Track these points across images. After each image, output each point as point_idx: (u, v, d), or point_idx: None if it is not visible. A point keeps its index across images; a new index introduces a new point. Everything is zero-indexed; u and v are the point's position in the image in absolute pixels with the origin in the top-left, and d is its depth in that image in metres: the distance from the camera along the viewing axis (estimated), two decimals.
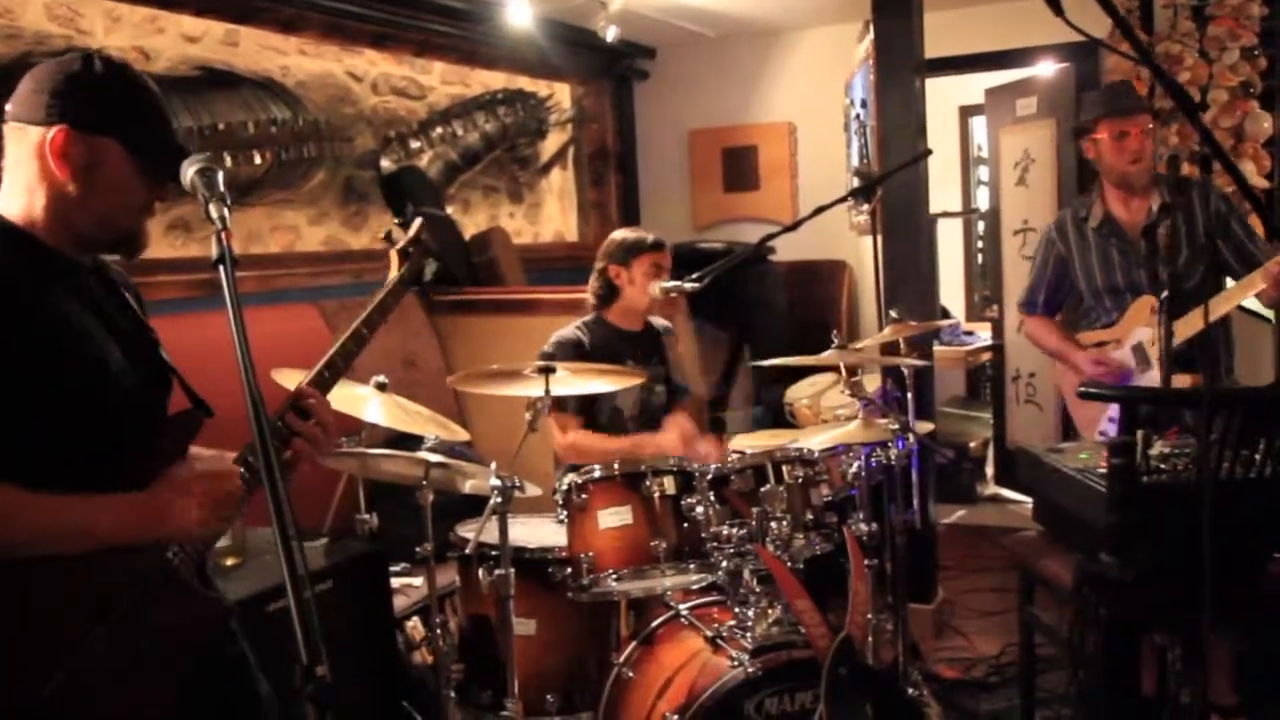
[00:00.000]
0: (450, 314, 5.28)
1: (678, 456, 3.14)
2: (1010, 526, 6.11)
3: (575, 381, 2.95)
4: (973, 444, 6.85)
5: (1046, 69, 6.19)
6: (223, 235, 1.58)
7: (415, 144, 5.66)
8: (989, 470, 6.96)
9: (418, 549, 2.96)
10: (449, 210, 5.85)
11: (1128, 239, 3.47)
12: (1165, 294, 2.67)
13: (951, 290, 8.10)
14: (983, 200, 8.49)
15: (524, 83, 6.52)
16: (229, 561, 2.86)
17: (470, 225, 6.17)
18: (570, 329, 3.70)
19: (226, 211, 1.62)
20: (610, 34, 5.63)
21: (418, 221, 2.41)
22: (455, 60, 5.95)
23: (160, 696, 1.69)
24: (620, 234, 3.74)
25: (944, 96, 7.03)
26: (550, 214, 7.01)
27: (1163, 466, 2.36)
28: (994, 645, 4.39)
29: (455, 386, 3.00)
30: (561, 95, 6.94)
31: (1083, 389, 2.30)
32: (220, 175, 1.69)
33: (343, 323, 4.72)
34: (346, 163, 5.30)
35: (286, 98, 4.63)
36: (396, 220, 2.43)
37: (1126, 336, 3.42)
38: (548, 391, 2.70)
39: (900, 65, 4.49)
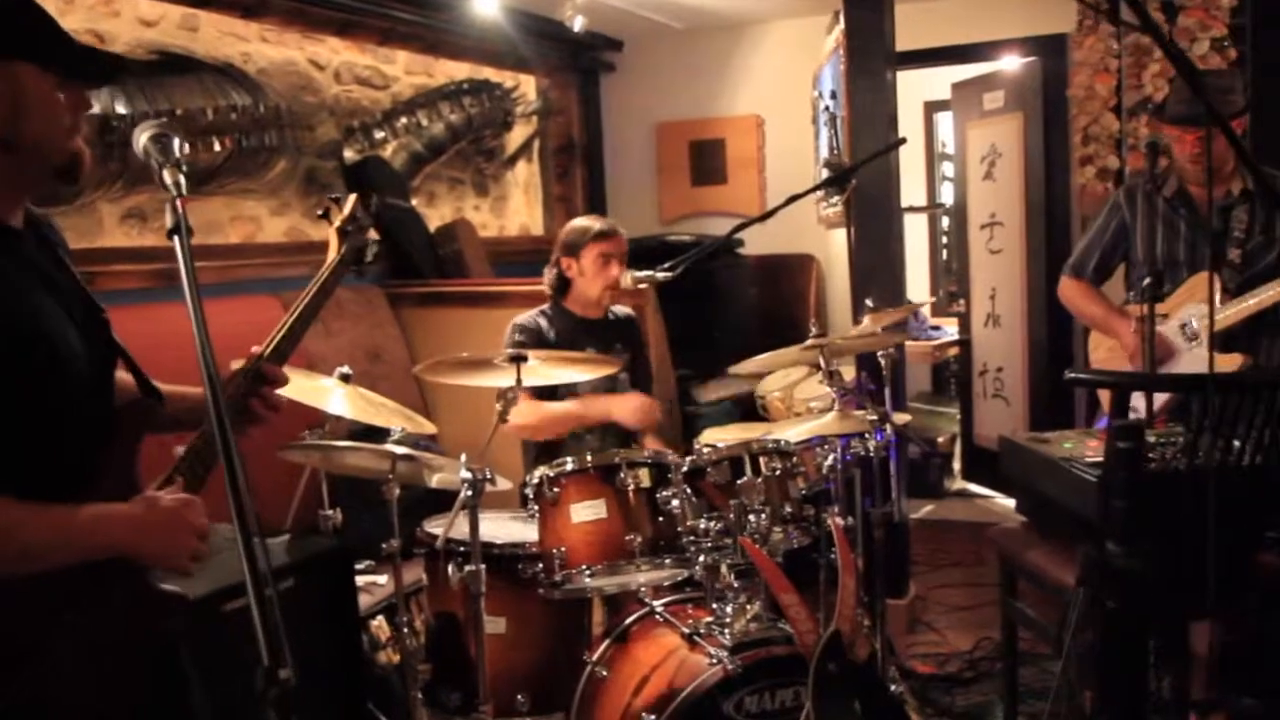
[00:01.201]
0: (415, 306, 5.19)
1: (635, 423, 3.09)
2: (978, 521, 6.13)
3: (547, 371, 2.87)
4: (940, 439, 6.83)
5: (1012, 63, 6.17)
6: (178, 203, 1.48)
7: (379, 134, 5.55)
8: (956, 465, 6.94)
9: (383, 545, 2.87)
10: (414, 202, 5.75)
11: (1199, 213, 3.39)
12: (1147, 281, 2.64)
13: (917, 285, 8.09)
14: (947, 195, 8.50)
15: (489, 74, 6.42)
16: None
17: (435, 217, 6.07)
18: (530, 316, 3.64)
19: (182, 179, 1.53)
20: (577, 25, 5.56)
21: (352, 197, 2.31)
22: (420, 50, 5.84)
23: (124, 688, 1.63)
24: (572, 223, 3.74)
25: (909, 91, 6.98)
26: (516, 207, 6.91)
27: (1150, 455, 2.32)
28: (966, 640, 4.36)
29: (423, 376, 2.90)
30: (527, 87, 6.84)
31: (1070, 375, 2.24)
32: (176, 142, 1.60)
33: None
34: (308, 152, 5.18)
35: (247, 84, 4.51)
36: (331, 196, 2.33)
37: (1176, 312, 3.35)
38: (519, 381, 2.62)
39: (872, 56, 4.44)
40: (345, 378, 3.14)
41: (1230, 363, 3.21)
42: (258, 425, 1.92)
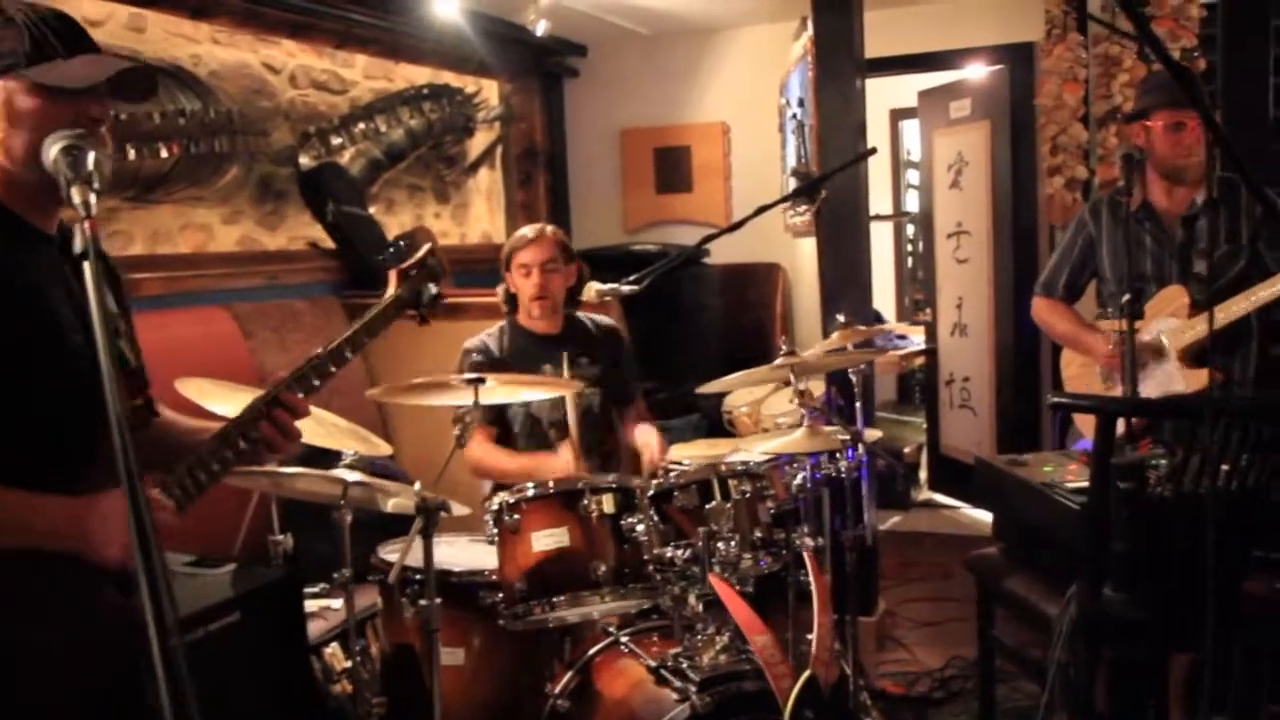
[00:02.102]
0: None
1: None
2: (945, 533, 6.08)
3: (506, 393, 2.75)
4: (906, 449, 6.77)
5: (979, 71, 6.12)
6: (86, 226, 1.36)
7: (336, 140, 5.40)
8: (923, 475, 6.88)
9: (335, 575, 2.74)
10: (372, 210, 5.60)
11: (1164, 226, 3.31)
12: (1127, 297, 2.57)
13: (883, 294, 8.04)
14: (913, 203, 8.47)
15: (450, 78, 6.28)
16: None
17: (395, 225, 5.92)
18: (479, 337, 3.57)
19: (94, 198, 1.41)
20: (540, 29, 5.44)
21: (426, 245, 2.29)
22: (378, 53, 5.70)
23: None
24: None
25: (875, 99, 6.92)
26: (477, 214, 6.78)
27: (1126, 457, 2.24)
28: (936, 657, 4.29)
29: (377, 400, 2.77)
30: (490, 92, 6.72)
31: (1052, 400, 2.15)
32: (91, 156, 1.48)
33: (258, 328, 4.51)
34: (263, 159, 5.03)
35: (197, 88, 4.35)
36: (402, 238, 2.35)
37: (1147, 327, 3.26)
38: (477, 404, 2.50)
39: (840, 63, 4.37)
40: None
41: (1199, 379, 3.15)
42: (274, 454, 1.92)
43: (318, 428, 2.96)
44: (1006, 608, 2.68)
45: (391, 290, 2.18)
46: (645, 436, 3.50)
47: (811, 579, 2.36)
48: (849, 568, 3.32)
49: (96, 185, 1.46)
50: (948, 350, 6.54)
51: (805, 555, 2.56)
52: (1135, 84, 4.73)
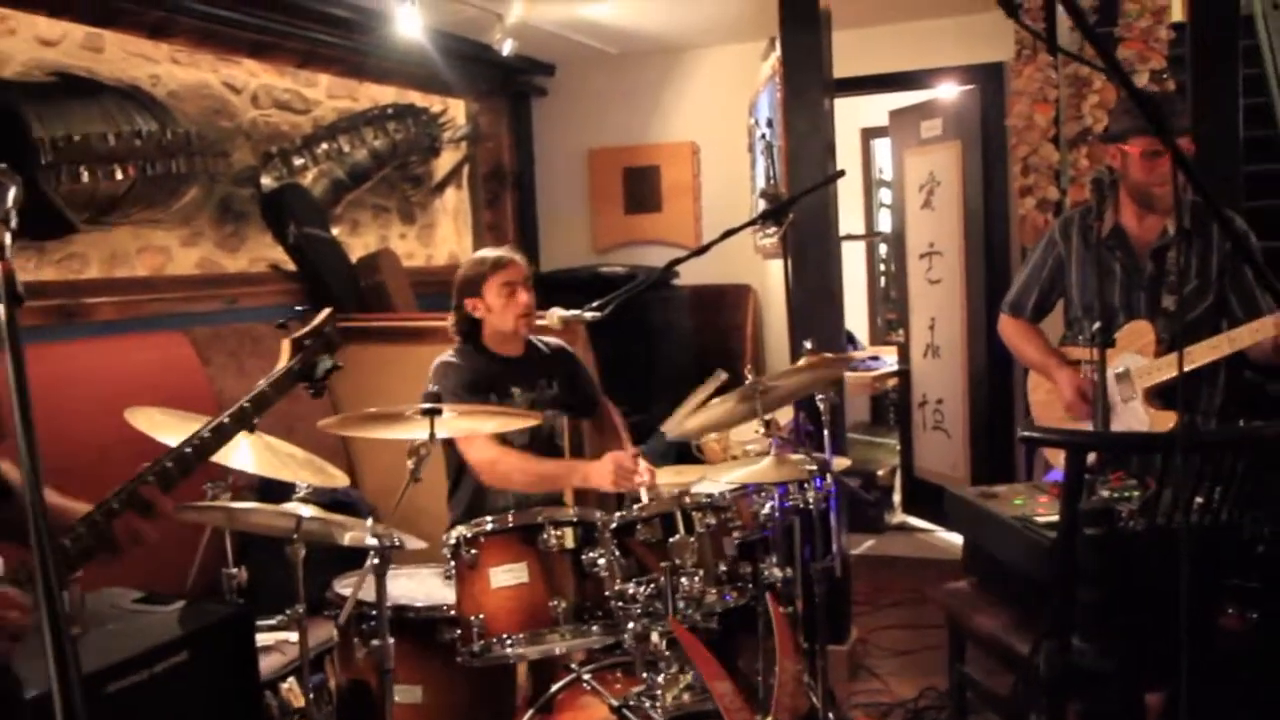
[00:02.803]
0: None
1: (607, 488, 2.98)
2: (919, 557, 6.03)
3: (464, 423, 2.67)
4: (880, 472, 6.71)
5: (950, 91, 6.10)
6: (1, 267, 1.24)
7: (299, 160, 5.31)
8: (896, 498, 6.83)
9: (286, 611, 2.65)
10: (335, 231, 5.51)
11: (1134, 256, 3.25)
12: (1097, 326, 2.51)
13: (855, 314, 8.00)
14: (885, 223, 8.44)
15: (416, 98, 6.20)
16: None
17: (359, 246, 5.83)
18: (450, 355, 3.44)
19: (8, 238, 1.28)
20: (507, 48, 5.37)
21: (324, 313, 2.25)
22: (342, 73, 5.62)
23: None
24: (463, 266, 3.53)
25: (846, 118, 6.91)
26: (444, 235, 6.70)
27: (1095, 500, 2.18)
28: (909, 687, 4.23)
29: (331, 431, 2.68)
30: (456, 112, 6.64)
31: (1022, 434, 2.10)
32: (11, 193, 1.34)
33: (216, 353, 4.41)
34: (223, 179, 4.93)
35: (154, 108, 4.26)
36: (299, 308, 2.31)
37: (1111, 360, 3.21)
38: (432, 436, 2.41)
39: (809, 83, 4.32)
40: (250, 426, 2.91)
41: (1165, 420, 3.10)
42: (119, 555, 1.71)
43: (272, 459, 2.87)
44: (976, 644, 2.62)
45: (284, 361, 2.09)
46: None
47: (775, 629, 2.28)
48: (818, 598, 3.25)
49: (13, 224, 1.32)
50: (921, 372, 6.50)
51: (770, 605, 2.47)
52: (1105, 105, 4.70)
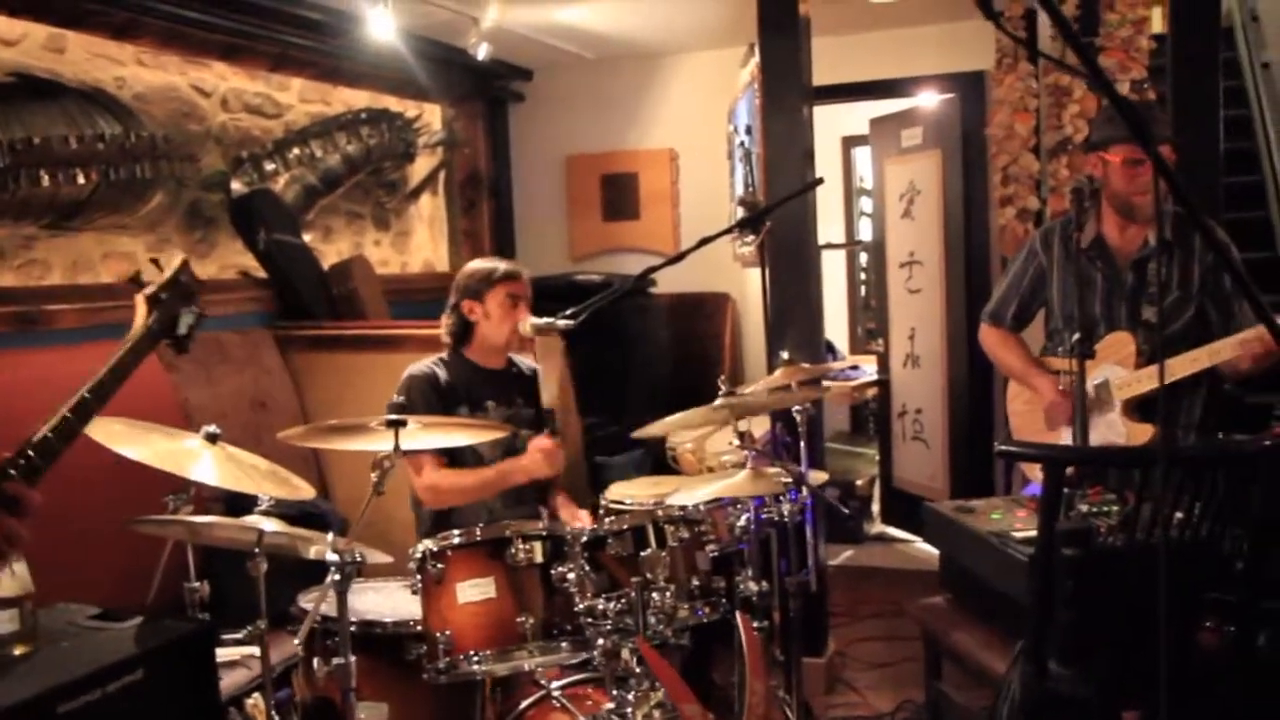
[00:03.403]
0: (306, 350, 4.86)
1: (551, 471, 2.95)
2: (898, 568, 5.98)
3: (429, 435, 2.59)
4: (859, 482, 6.66)
5: (930, 99, 6.07)
6: None
7: (270, 165, 5.23)
8: (875, 508, 6.78)
9: (249, 627, 2.58)
10: (308, 237, 5.43)
11: (1115, 267, 3.20)
12: (1076, 336, 2.47)
13: (835, 323, 7.96)
14: (866, 232, 8.41)
15: (391, 103, 6.13)
16: (17, 650, 2.42)
17: (332, 253, 5.76)
18: (425, 364, 3.37)
19: None
20: (481, 52, 5.31)
21: (178, 258, 2.06)
22: (315, 76, 5.54)
23: None
24: (472, 265, 3.44)
25: (826, 126, 6.88)
26: (419, 242, 6.62)
27: (1071, 519, 2.13)
28: (887, 700, 4.18)
29: (292, 442, 2.60)
30: (432, 117, 6.57)
31: (1000, 448, 2.04)
32: None
33: (183, 361, 4.31)
34: (192, 184, 4.85)
35: (118, 111, 4.17)
36: (151, 258, 2.09)
37: (1092, 373, 3.16)
38: (397, 448, 2.34)
39: (788, 90, 4.26)
40: (212, 437, 2.83)
41: (1143, 433, 3.06)
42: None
43: (235, 471, 2.80)
44: (953, 662, 2.56)
45: (140, 321, 1.93)
46: (570, 513, 3.38)
47: (744, 642, 2.22)
48: (794, 612, 3.19)
49: None
50: (900, 381, 6.46)
51: (741, 623, 2.41)
52: (1086, 115, 4.67)
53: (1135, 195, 3.11)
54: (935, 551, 2.84)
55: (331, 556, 2.21)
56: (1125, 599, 1.67)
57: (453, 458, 3.28)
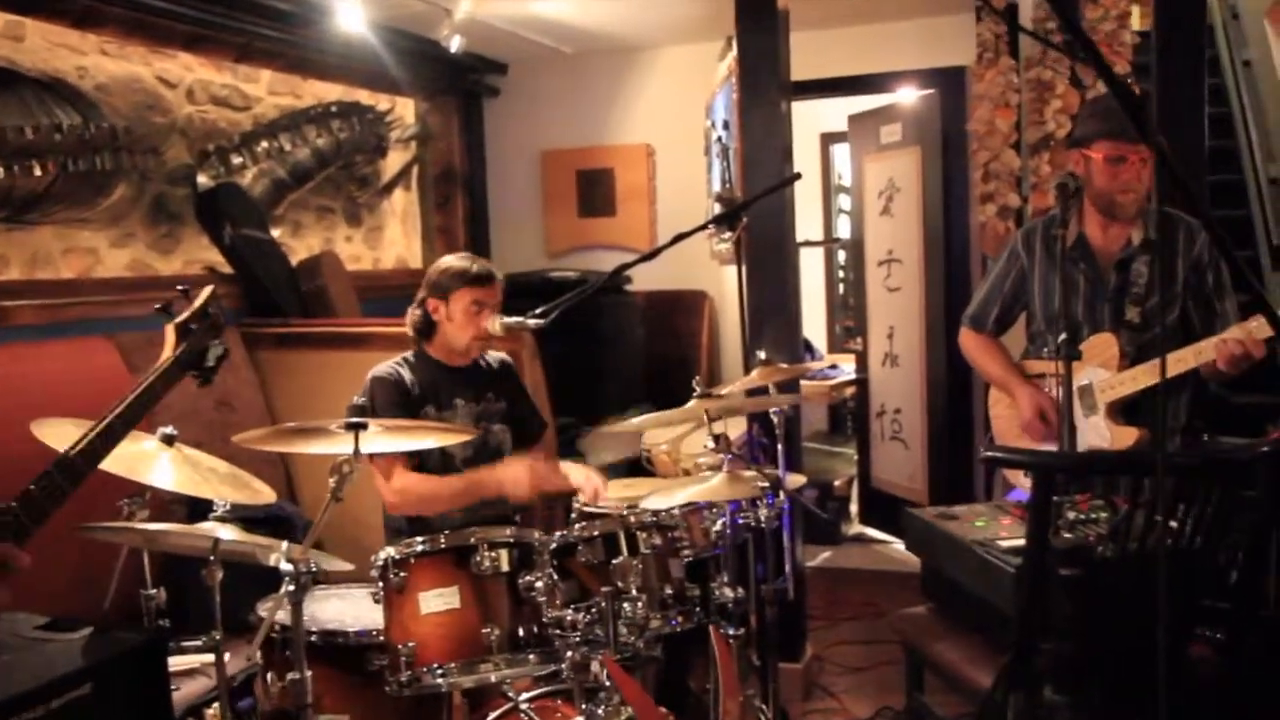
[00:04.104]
0: (273, 348, 4.74)
1: (527, 494, 2.82)
2: (876, 569, 5.91)
3: (391, 439, 2.49)
4: (837, 482, 6.59)
5: (910, 95, 6.00)
6: None
7: (237, 159, 5.11)
8: (854, 508, 6.71)
9: (203, 638, 2.48)
10: (277, 233, 5.32)
11: (1098, 267, 3.13)
12: (1063, 338, 2.39)
13: (813, 321, 7.89)
14: (844, 229, 8.34)
15: (363, 96, 6.02)
16: None
17: (302, 249, 5.64)
18: (389, 365, 3.26)
19: None
20: (454, 45, 5.21)
21: (207, 290, 2.10)
22: (284, 68, 5.42)
23: None
24: (446, 261, 3.32)
25: (805, 123, 6.82)
26: (392, 238, 6.50)
27: (1070, 536, 2.05)
28: (865, 706, 4.11)
29: (245, 446, 2.49)
30: (405, 110, 6.46)
31: (985, 454, 1.96)
32: None
33: (145, 360, 4.17)
34: (156, 178, 4.73)
35: (78, 102, 4.05)
36: (180, 288, 2.12)
37: (1075, 374, 3.07)
38: (357, 452, 2.24)
39: (766, 85, 4.18)
40: (169, 439, 2.72)
41: (1127, 437, 3.00)
42: None
43: (192, 474, 2.69)
44: (935, 674, 2.48)
45: (168, 351, 1.95)
46: (577, 474, 3.27)
47: (717, 659, 2.14)
48: (770, 619, 3.11)
49: None
50: (879, 381, 6.39)
51: (714, 638, 2.33)
52: (1068, 110, 4.61)
53: (1118, 194, 3.04)
54: (920, 584, 2.75)
55: (285, 567, 2.11)
56: (1119, 613, 1.59)
57: (420, 457, 3.19)
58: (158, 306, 1.98)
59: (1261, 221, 5.46)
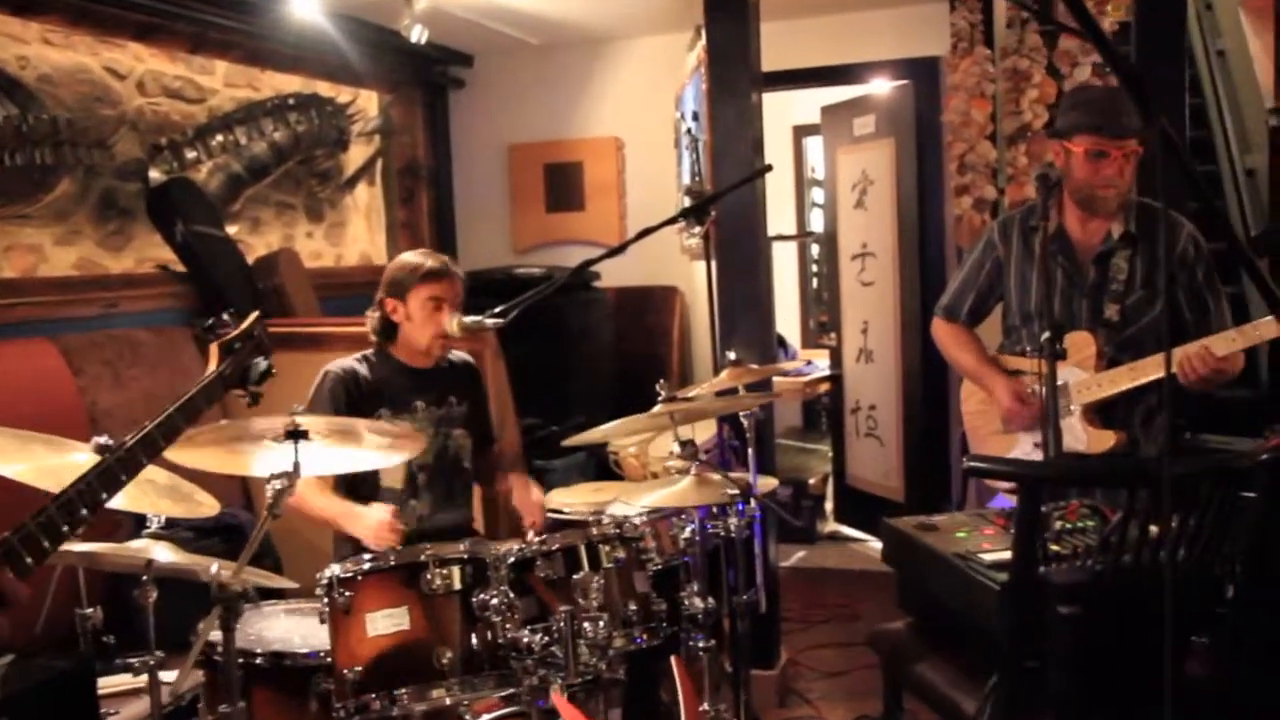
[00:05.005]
0: None
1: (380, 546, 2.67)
2: (852, 569, 5.81)
3: (334, 449, 2.34)
4: (811, 480, 6.47)
5: (882, 86, 5.89)
6: None
7: (191, 153, 4.94)
8: (829, 506, 6.61)
9: (136, 662, 2.33)
10: (234, 229, 5.15)
11: (1076, 262, 3.02)
12: (1046, 335, 2.27)
13: (787, 317, 7.78)
14: (817, 223, 8.23)
15: (324, 88, 5.85)
16: None
17: (261, 246, 5.47)
18: (347, 361, 3.14)
19: None
20: (415, 34, 5.03)
21: (254, 315, 2.12)
22: (240, 59, 5.24)
23: None
24: (399, 260, 3.19)
25: (777, 115, 6.70)
26: (355, 234, 6.34)
27: (1058, 549, 1.93)
28: (841, 713, 4.03)
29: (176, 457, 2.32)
30: (368, 103, 6.29)
31: (968, 464, 1.84)
32: None
33: (90, 363, 4.02)
34: (105, 172, 4.55)
35: (15, 92, 3.87)
36: (229, 310, 2.17)
37: None
38: (297, 466, 2.09)
39: (736, 75, 4.05)
40: (103, 450, 2.56)
41: (1103, 440, 2.90)
42: None
43: (129, 487, 2.53)
44: (916, 695, 2.35)
45: (213, 366, 1.95)
46: (524, 499, 3.14)
47: (679, 687, 2.01)
48: (741, 630, 2.98)
49: None
50: (853, 377, 6.29)
51: (676, 668, 2.20)
52: (1045, 101, 4.51)
53: (1099, 189, 2.93)
54: (898, 598, 2.62)
55: (215, 591, 1.95)
56: (1121, 636, 1.47)
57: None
58: (196, 331, 1.97)
59: (1238, 213, 5.38)
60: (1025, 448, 3.02)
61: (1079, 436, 2.89)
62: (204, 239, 4.64)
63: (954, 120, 4.82)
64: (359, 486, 3.05)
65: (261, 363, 2.15)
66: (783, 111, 7.37)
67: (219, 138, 5.03)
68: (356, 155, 6.23)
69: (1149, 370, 2.79)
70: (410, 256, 3.19)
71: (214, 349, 2.07)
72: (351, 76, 5.80)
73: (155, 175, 4.75)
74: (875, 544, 6.01)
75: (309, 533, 3.67)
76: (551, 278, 3.68)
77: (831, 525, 6.52)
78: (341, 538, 2.99)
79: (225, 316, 2.14)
